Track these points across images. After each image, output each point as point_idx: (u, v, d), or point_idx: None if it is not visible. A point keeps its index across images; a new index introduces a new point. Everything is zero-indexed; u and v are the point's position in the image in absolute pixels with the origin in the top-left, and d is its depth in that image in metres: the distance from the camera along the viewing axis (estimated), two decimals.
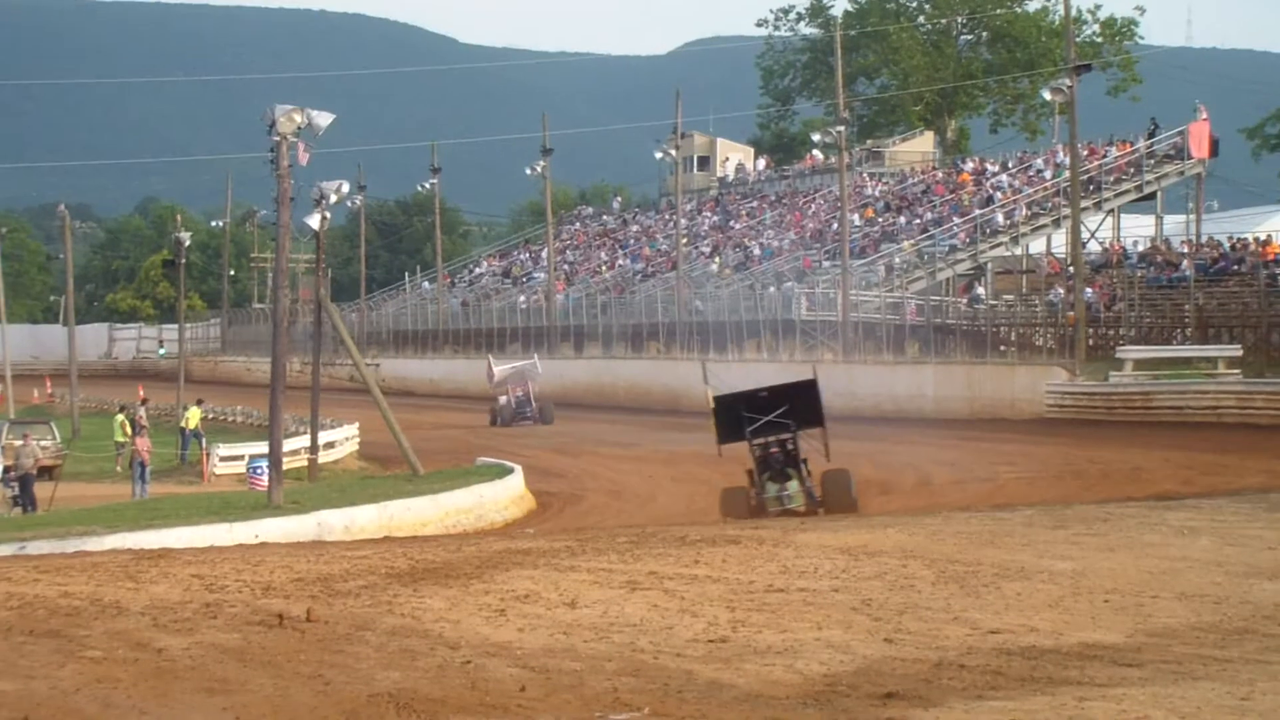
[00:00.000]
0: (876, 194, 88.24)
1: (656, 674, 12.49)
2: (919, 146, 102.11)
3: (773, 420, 29.12)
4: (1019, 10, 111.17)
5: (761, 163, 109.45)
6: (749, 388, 31.08)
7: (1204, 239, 67.41)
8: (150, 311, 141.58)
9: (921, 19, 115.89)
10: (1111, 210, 75.93)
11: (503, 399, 65.78)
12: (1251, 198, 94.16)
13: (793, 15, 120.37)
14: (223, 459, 50.61)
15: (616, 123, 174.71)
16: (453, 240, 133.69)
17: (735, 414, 29.40)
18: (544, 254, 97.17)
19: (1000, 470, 39.25)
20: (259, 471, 41.52)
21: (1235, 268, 57.99)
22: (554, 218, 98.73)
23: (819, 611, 15.30)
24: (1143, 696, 11.49)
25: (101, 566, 19.44)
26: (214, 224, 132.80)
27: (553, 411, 64.90)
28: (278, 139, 33.06)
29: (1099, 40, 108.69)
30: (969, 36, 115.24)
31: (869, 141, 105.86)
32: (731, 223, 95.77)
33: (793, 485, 28.82)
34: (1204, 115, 76.75)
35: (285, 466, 35.31)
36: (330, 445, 50.41)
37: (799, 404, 29.46)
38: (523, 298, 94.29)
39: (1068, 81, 57.85)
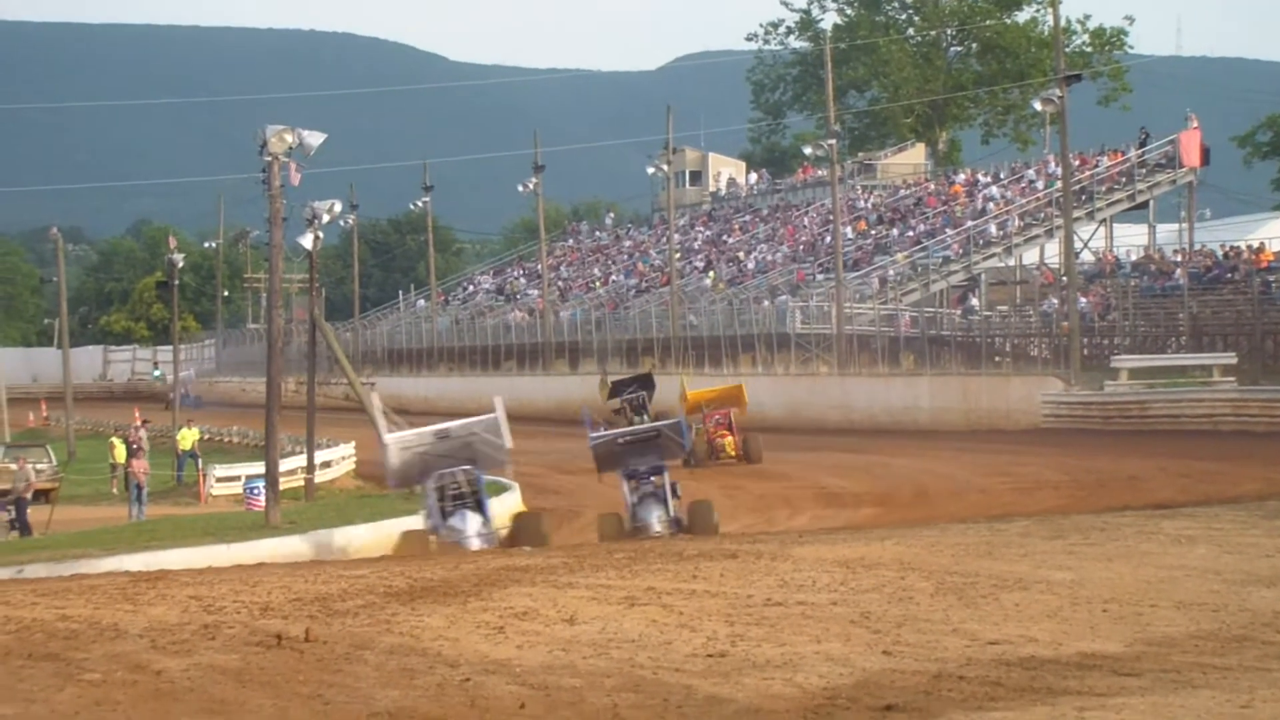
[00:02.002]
0: (869, 206, 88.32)
1: (656, 689, 12.48)
2: (910, 159, 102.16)
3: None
4: (1008, 21, 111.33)
5: (754, 177, 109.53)
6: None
7: (1197, 247, 67.55)
8: (144, 333, 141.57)
9: (911, 31, 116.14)
10: (1104, 220, 76.05)
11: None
12: (1243, 206, 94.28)
13: (782, 29, 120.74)
14: (219, 480, 50.63)
15: (608, 139, 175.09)
16: (446, 258, 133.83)
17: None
18: (538, 270, 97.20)
19: (996, 481, 39.25)
20: (256, 492, 41.56)
21: (1229, 276, 58.10)
22: (547, 235, 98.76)
23: (818, 624, 15.29)
24: (1143, 706, 11.49)
25: (99, 589, 19.41)
26: (207, 245, 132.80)
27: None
28: (269, 159, 33.04)
29: (1089, 50, 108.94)
30: (959, 48, 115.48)
31: (860, 154, 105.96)
32: (724, 237, 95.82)
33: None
34: (1195, 124, 76.88)
35: (282, 486, 35.27)
36: (327, 465, 50.43)
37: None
38: (515, 314, 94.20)
39: (1058, 92, 57.94)
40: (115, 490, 52.18)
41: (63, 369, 75.51)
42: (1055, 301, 61.16)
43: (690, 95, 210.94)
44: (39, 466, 49.59)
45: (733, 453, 48.90)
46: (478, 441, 28.96)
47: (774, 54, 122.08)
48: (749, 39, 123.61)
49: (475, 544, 27.35)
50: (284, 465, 39.36)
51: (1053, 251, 72.83)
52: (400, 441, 29.34)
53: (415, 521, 31.72)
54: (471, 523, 28.19)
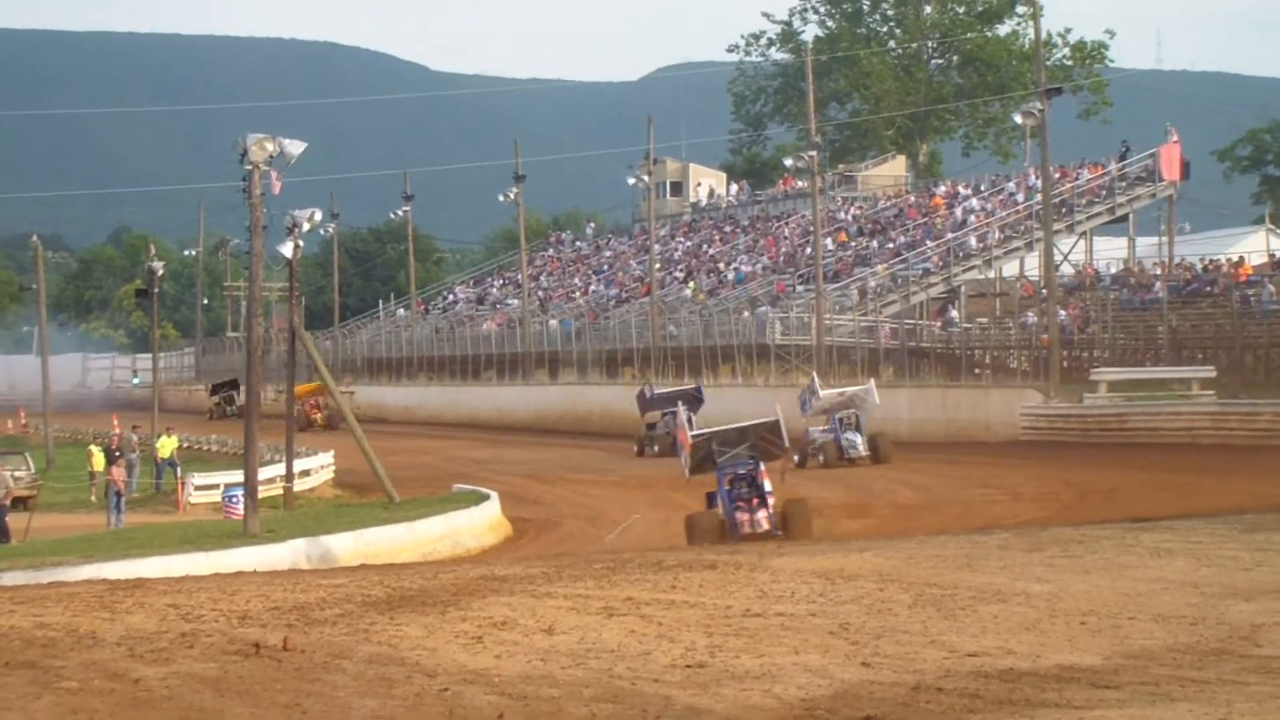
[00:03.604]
0: (849, 218, 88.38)
1: (634, 700, 12.48)
2: (891, 171, 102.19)
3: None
4: (989, 35, 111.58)
5: (734, 188, 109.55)
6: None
7: (1176, 261, 67.68)
8: (124, 341, 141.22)
9: (892, 44, 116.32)
10: (1084, 233, 76.11)
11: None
12: (1223, 219, 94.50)
13: (764, 41, 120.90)
14: (198, 488, 50.48)
15: (589, 149, 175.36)
16: (426, 267, 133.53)
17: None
18: (518, 280, 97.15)
19: (976, 493, 39.31)
20: (234, 500, 41.39)
21: (1208, 289, 58.23)
22: (528, 244, 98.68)
23: (796, 636, 15.30)
24: (1120, 718, 11.51)
25: (77, 597, 19.39)
26: (187, 253, 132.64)
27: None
28: (250, 168, 33.05)
29: (1069, 64, 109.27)
30: (940, 61, 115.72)
31: (841, 166, 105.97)
32: (705, 247, 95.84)
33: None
34: (1175, 138, 77.00)
35: (261, 495, 35.25)
36: (306, 473, 50.33)
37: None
38: (487, 325, 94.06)
39: (1039, 105, 57.99)
40: (94, 498, 52.03)
41: (42, 376, 75.18)
42: (1034, 315, 61.22)
43: (671, 106, 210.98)
44: (17, 474, 49.40)
45: None
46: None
47: (755, 65, 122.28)
48: (730, 50, 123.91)
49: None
50: (263, 474, 39.31)
51: (1032, 264, 72.98)
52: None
53: (397, 530, 31.77)
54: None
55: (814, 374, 56.75)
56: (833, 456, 49.46)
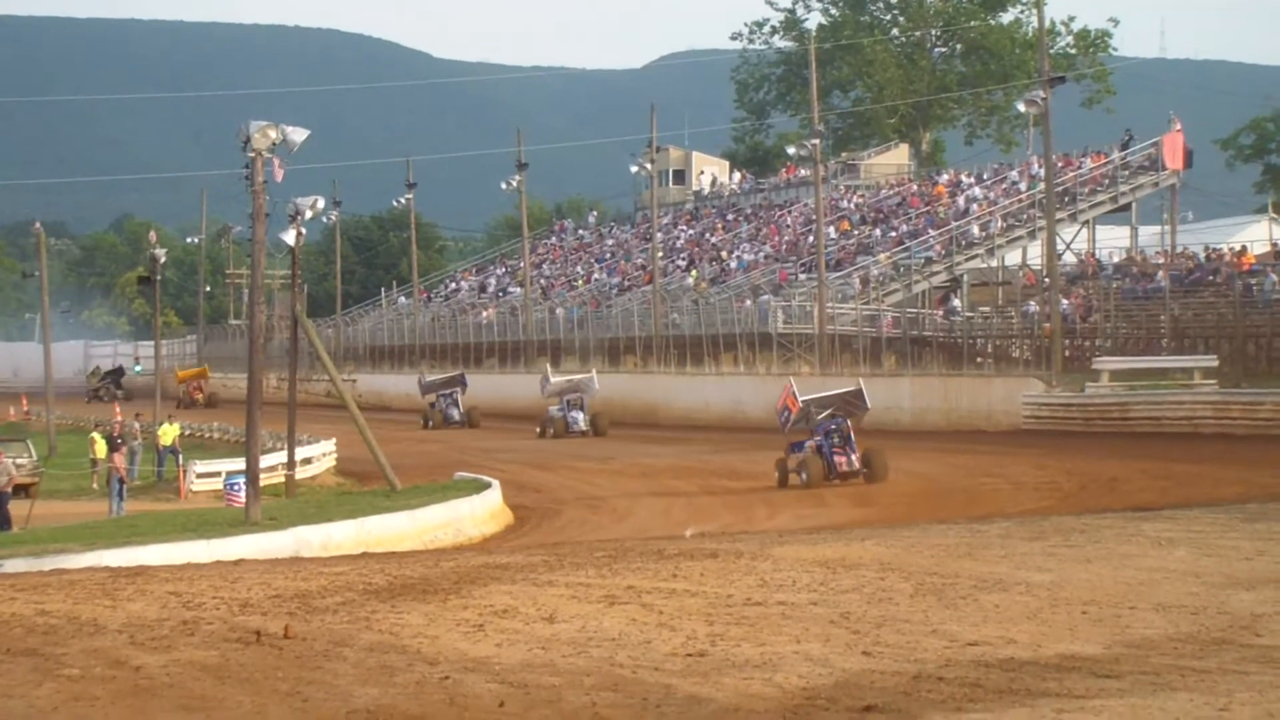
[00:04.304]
0: (852, 207, 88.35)
1: (635, 688, 12.48)
2: (894, 159, 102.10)
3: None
4: (993, 23, 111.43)
5: (737, 176, 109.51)
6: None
7: (1179, 250, 67.60)
8: (126, 328, 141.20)
9: (895, 32, 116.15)
10: (1086, 222, 76.12)
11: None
12: (1226, 208, 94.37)
13: (767, 29, 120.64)
14: (199, 475, 50.42)
15: (591, 137, 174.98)
16: (429, 255, 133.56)
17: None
18: (520, 268, 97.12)
19: (977, 482, 39.28)
20: (236, 488, 41.35)
21: (1210, 278, 58.18)
22: (530, 232, 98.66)
23: (797, 625, 15.30)
24: (1121, 708, 11.50)
25: (78, 584, 19.40)
26: (189, 240, 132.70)
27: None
28: (252, 155, 32.97)
29: (1073, 52, 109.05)
30: (943, 49, 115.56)
31: (844, 154, 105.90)
32: (707, 236, 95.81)
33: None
34: (1178, 126, 76.99)
35: (262, 483, 35.22)
36: (307, 461, 50.28)
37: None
38: (485, 314, 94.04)
39: (1042, 94, 57.89)
40: (96, 485, 51.99)
41: (44, 363, 75.16)
42: (1036, 304, 61.18)
43: (674, 94, 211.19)
44: (19, 461, 49.39)
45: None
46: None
47: (758, 53, 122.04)
48: (733, 38, 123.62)
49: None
50: (265, 461, 39.25)
51: (1035, 253, 72.92)
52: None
53: (399, 518, 31.77)
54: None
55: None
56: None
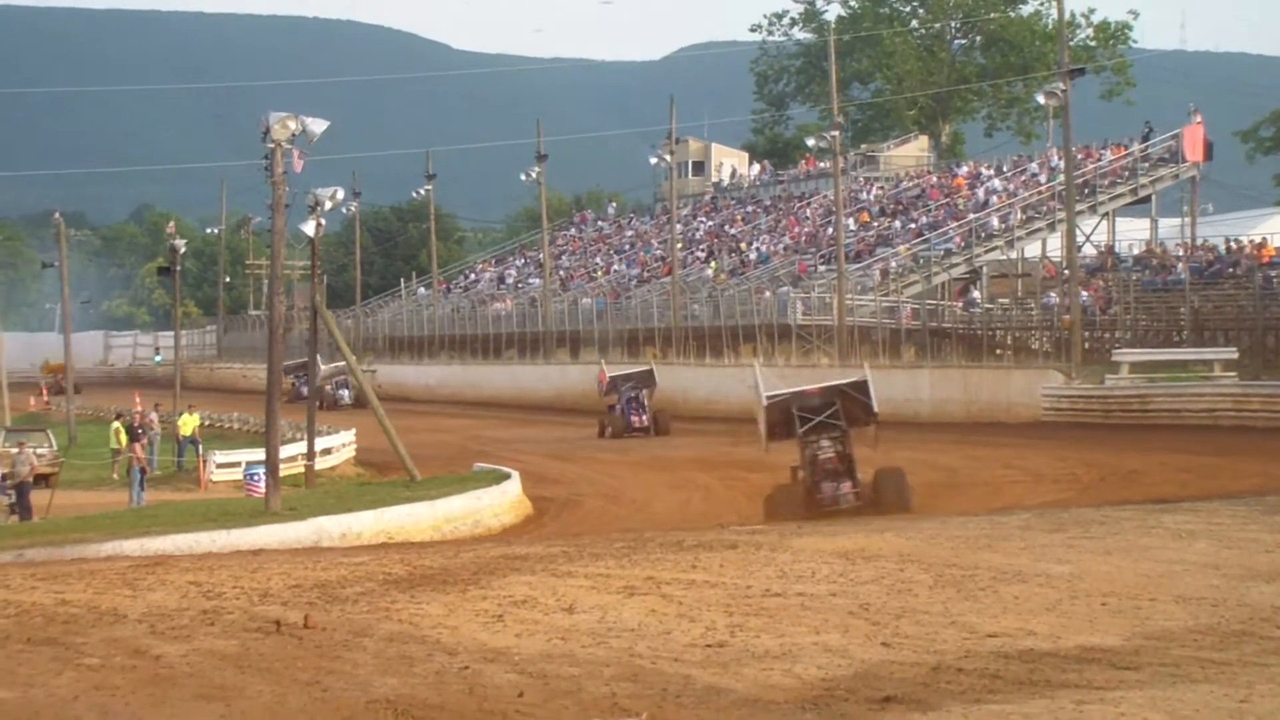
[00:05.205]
0: (871, 198, 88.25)
1: (654, 679, 12.49)
2: (913, 151, 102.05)
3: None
4: (1013, 15, 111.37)
5: (756, 168, 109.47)
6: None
7: (1199, 242, 67.50)
8: (146, 318, 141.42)
9: (915, 24, 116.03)
10: (1106, 214, 76.03)
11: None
12: (1246, 200, 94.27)
13: (786, 20, 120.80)
14: (219, 466, 50.51)
15: (611, 128, 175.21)
16: (448, 246, 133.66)
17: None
18: (540, 259, 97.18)
19: (997, 474, 39.21)
20: (256, 478, 41.48)
21: (1230, 270, 58.07)
22: (550, 223, 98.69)
23: (816, 616, 15.30)
24: (1141, 699, 11.49)
25: (99, 574, 19.44)
26: (209, 231, 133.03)
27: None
28: (272, 146, 32.98)
29: (1093, 44, 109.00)
30: (963, 41, 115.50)
31: (863, 146, 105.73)
32: (726, 227, 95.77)
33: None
34: (1198, 118, 76.84)
35: (282, 473, 35.25)
36: (327, 451, 50.36)
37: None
38: (501, 306, 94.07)
39: (1061, 85, 57.79)
40: (116, 475, 52.07)
41: (64, 354, 75.34)
42: (1055, 296, 61.08)
43: (694, 86, 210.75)
44: (40, 451, 49.52)
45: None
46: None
47: (778, 45, 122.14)
48: (753, 30, 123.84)
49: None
50: (284, 452, 39.32)
51: (1055, 245, 72.75)
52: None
53: (418, 509, 31.76)
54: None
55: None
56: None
